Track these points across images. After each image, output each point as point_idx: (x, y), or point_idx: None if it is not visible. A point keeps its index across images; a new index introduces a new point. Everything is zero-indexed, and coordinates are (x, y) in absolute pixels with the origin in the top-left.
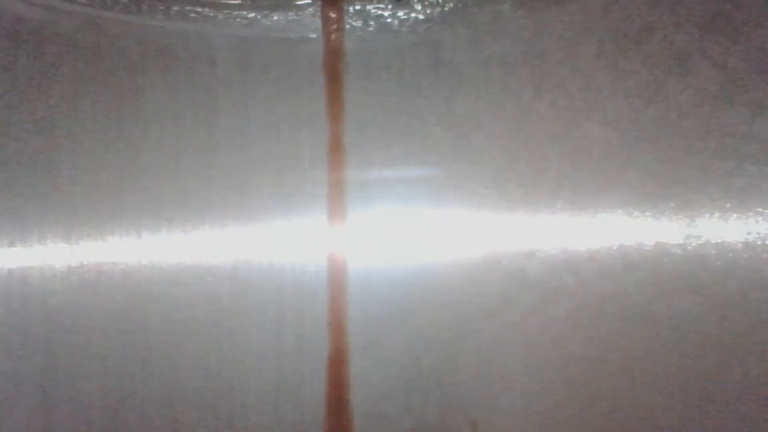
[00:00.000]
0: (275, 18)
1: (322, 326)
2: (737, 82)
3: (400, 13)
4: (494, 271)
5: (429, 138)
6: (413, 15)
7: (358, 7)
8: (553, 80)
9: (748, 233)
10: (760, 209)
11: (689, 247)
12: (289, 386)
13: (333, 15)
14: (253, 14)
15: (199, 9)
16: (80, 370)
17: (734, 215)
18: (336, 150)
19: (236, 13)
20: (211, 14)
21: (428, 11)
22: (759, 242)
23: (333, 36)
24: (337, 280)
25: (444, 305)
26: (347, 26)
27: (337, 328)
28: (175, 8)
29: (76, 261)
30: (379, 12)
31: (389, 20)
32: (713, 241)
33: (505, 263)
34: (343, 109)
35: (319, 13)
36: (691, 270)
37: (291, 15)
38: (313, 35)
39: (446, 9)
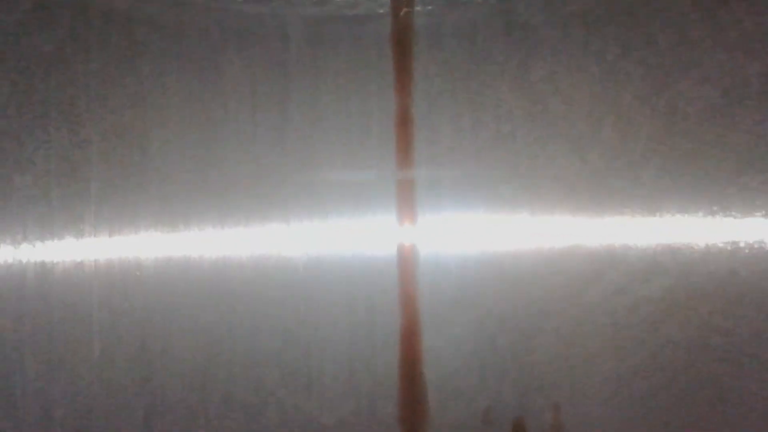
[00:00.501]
0: None
1: (393, 300)
2: None
3: None
4: (576, 249)
5: (501, 106)
6: None
7: None
8: (642, 37)
9: None
10: None
11: None
12: (362, 356)
13: None
14: None
15: None
16: (174, 326)
17: None
18: (404, 122)
19: None
20: None
21: None
22: None
23: (402, 10)
24: (407, 256)
25: (519, 284)
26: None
27: (408, 303)
28: None
29: (168, 226)
30: None
31: None
32: None
33: (588, 240)
34: (412, 80)
35: None
36: None
37: None
38: (382, 10)
39: None
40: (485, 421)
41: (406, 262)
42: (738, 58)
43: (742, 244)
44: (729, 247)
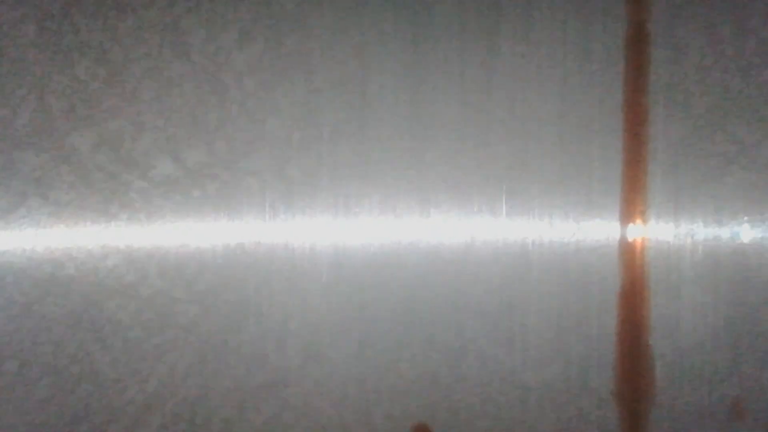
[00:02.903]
0: None
1: (612, 255)
2: None
3: None
4: None
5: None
6: None
7: None
8: None
9: None
10: None
11: None
12: (573, 316)
13: None
14: None
15: None
16: (388, 273)
17: None
18: (637, 41)
19: None
20: None
21: None
22: None
23: None
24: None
25: None
26: None
27: (629, 259)
28: None
29: (388, 164)
30: None
31: None
32: None
33: None
34: None
35: None
36: None
37: None
38: None
39: None
40: (734, 413)
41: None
42: None
43: None
44: None
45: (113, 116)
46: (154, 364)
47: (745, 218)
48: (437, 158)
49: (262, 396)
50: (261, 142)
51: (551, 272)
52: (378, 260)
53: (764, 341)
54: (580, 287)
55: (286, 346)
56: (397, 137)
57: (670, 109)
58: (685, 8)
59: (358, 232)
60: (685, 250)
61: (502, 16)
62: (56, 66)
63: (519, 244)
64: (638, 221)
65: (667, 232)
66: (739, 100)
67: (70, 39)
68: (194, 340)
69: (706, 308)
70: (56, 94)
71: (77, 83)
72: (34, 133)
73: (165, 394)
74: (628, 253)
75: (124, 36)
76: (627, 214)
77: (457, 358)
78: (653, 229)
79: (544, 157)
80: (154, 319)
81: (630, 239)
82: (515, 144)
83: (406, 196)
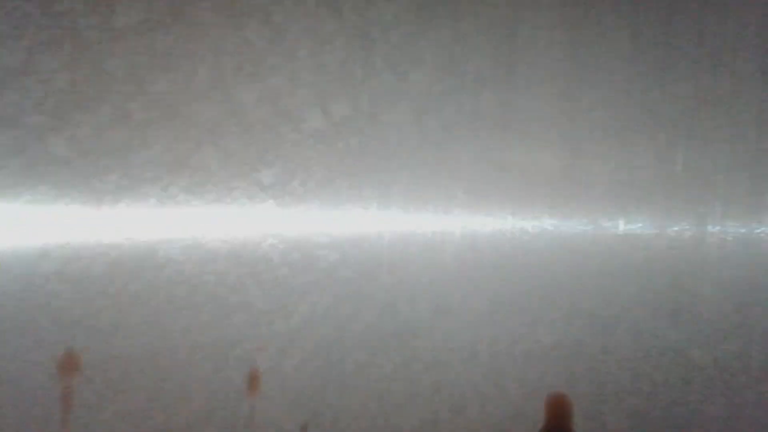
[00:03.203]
0: None
1: None
2: None
3: None
4: None
5: None
6: None
7: None
8: None
9: None
10: None
11: None
12: (756, 293)
13: None
14: None
15: None
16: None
17: None
18: None
19: None
20: None
21: None
22: None
23: None
24: None
25: None
26: None
27: None
28: None
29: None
30: None
31: None
32: None
33: None
34: None
35: None
36: None
37: None
38: None
39: None
40: None
41: None
42: None
43: None
44: None
45: (274, 73)
46: (298, 301)
47: None
48: (593, 104)
49: (392, 344)
50: (402, 94)
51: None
52: None
53: None
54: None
55: (417, 298)
56: (549, 82)
57: None
58: None
59: None
60: None
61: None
62: (229, 28)
63: None
64: None
65: None
66: None
67: (242, 3)
68: (332, 284)
69: None
70: (228, 54)
71: (246, 44)
72: (209, 89)
73: (306, 330)
74: None
75: None
76: None
77: (604, 328)
78: None
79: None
80: (300, 261)
81: None
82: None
83: (552, 147)
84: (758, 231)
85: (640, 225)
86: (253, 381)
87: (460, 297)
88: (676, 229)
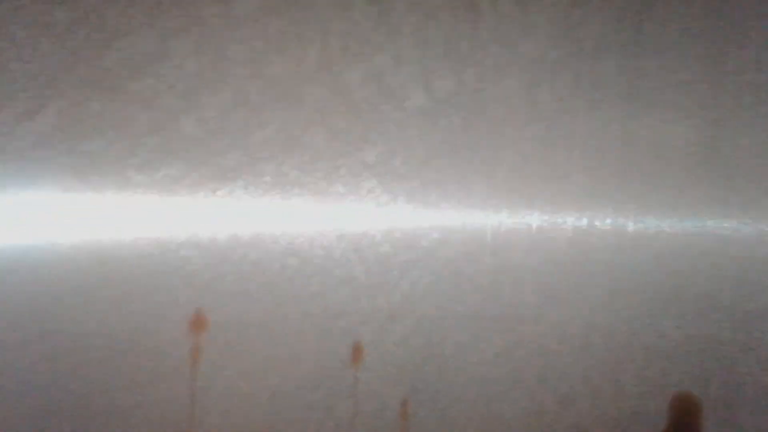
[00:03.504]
0: None
1: None
2: None
3: None
4: None
5: None
6: None
7: None
8: None
9: None
10: None
11: None
12: None
13: None
14: None
15: None
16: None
17: None
18: None
19: None
20: None
21: None
22: None
23: None
24: None
25: None
26: None
27: None
28: None
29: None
30: None
31: None
32: None
33: None
34: None
35: None
36: None
37: None
38: None
39: None
40: None
41: None
42: None
43: None
44: None
45: (378, 52)
46: (399, 278)
47: None
48: (742, 66)
49: (495, 328)
50: (511, 66)
51: None
52: None
53: None
54: None
55: (523, 282)
56: (685, 42)
57: None
58: None
59: None
60: None
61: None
62: (337, 9)
63: None
64: None
65: None
66: None
67: None
68: (433, 263)
69: None
70: (335, 35)
71: (352, 23)
72: (318, 70)
73: (407, 307)
74: None
75: None
76: None
77: (745, 324)
78: None
79: None
80: (401, 239)
81: None
82: None
83: (689, 119)
84: None
85: None
86: (356, 353)
87: (572, 284)
88: None
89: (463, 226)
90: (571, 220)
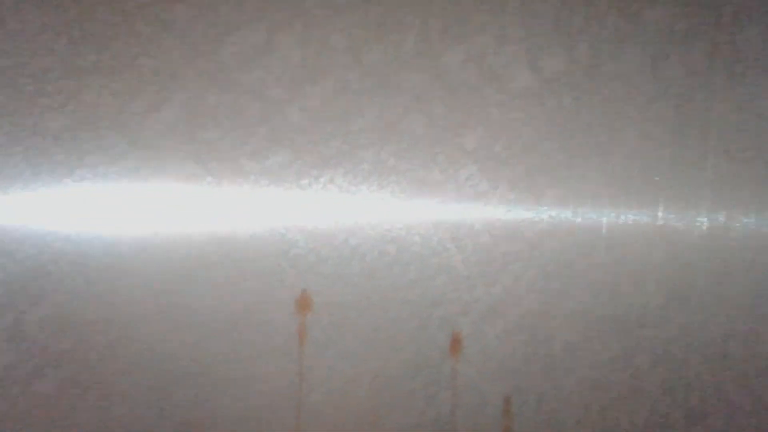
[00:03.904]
0: None
1: None
2: None
3: None
4: None
5: None
6: None
7: None
8: None
9: None
10: None
11: None
12: None
13: None
14: None
15: None
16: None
17: None
18: None
19: None
20: None
21: None
22: None
23: None
24: None
25: None
26: None
27: None
28: None
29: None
30: None
31: None
32: None
33: None
34: None
35: None
36: None
37: None
38: None
39: None
40: None
41: None
42: None
43: None
44: None
45: (480, 32)
46: (500, 270)
47: None
48: None
49: (611, 330)
50: (632, 39)
51: None
52: None
53: None
54: None
55: (645, 279)
56: None
57: None
58: None
59: None
60: None
61: None
62: None
63: None
64: None
65: None
66: None
67: None
68: (538, 256)
69: None
70: (435, 16)
71: (453, 3)
72: (416, 55)
73: (509, 300)
74: None
75: None
76: None
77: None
78: None
79: None
80: (502, 229)
81: None
82: None
83: None
84: None
85: None
86: (455, 344)
87: (705, 285)
88: None
89: (573, 217)
90: (704, 216)
